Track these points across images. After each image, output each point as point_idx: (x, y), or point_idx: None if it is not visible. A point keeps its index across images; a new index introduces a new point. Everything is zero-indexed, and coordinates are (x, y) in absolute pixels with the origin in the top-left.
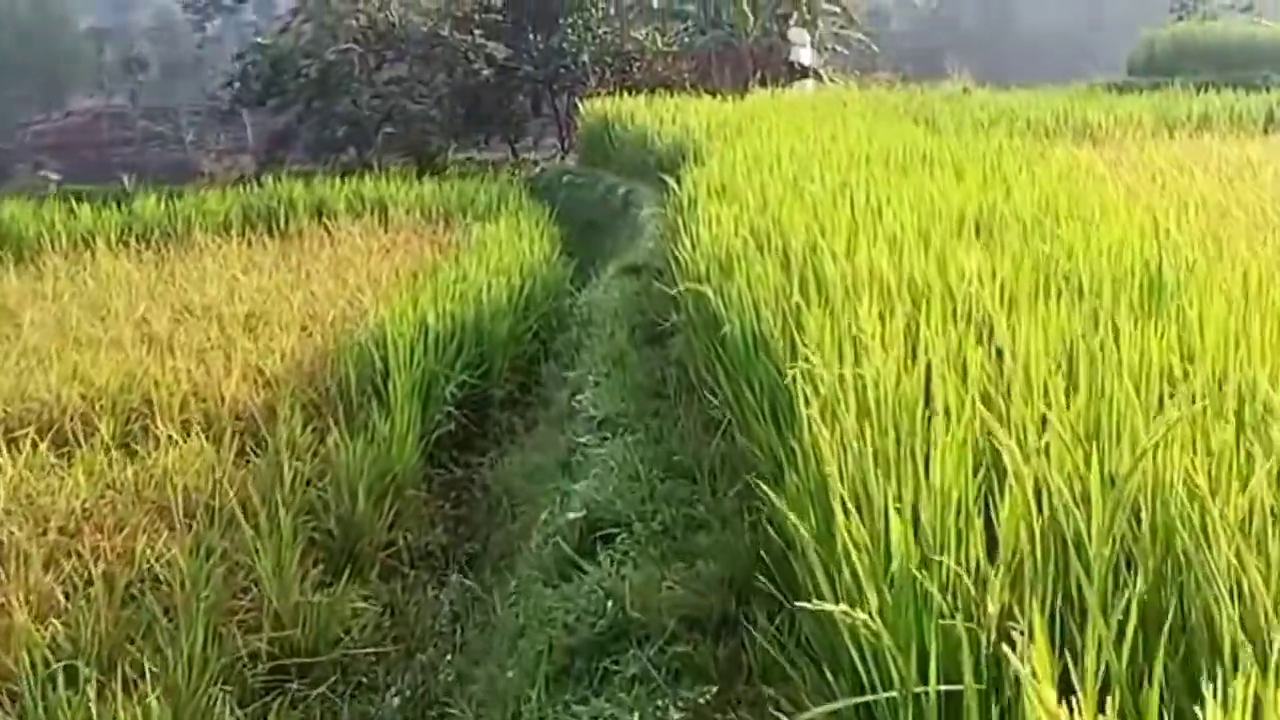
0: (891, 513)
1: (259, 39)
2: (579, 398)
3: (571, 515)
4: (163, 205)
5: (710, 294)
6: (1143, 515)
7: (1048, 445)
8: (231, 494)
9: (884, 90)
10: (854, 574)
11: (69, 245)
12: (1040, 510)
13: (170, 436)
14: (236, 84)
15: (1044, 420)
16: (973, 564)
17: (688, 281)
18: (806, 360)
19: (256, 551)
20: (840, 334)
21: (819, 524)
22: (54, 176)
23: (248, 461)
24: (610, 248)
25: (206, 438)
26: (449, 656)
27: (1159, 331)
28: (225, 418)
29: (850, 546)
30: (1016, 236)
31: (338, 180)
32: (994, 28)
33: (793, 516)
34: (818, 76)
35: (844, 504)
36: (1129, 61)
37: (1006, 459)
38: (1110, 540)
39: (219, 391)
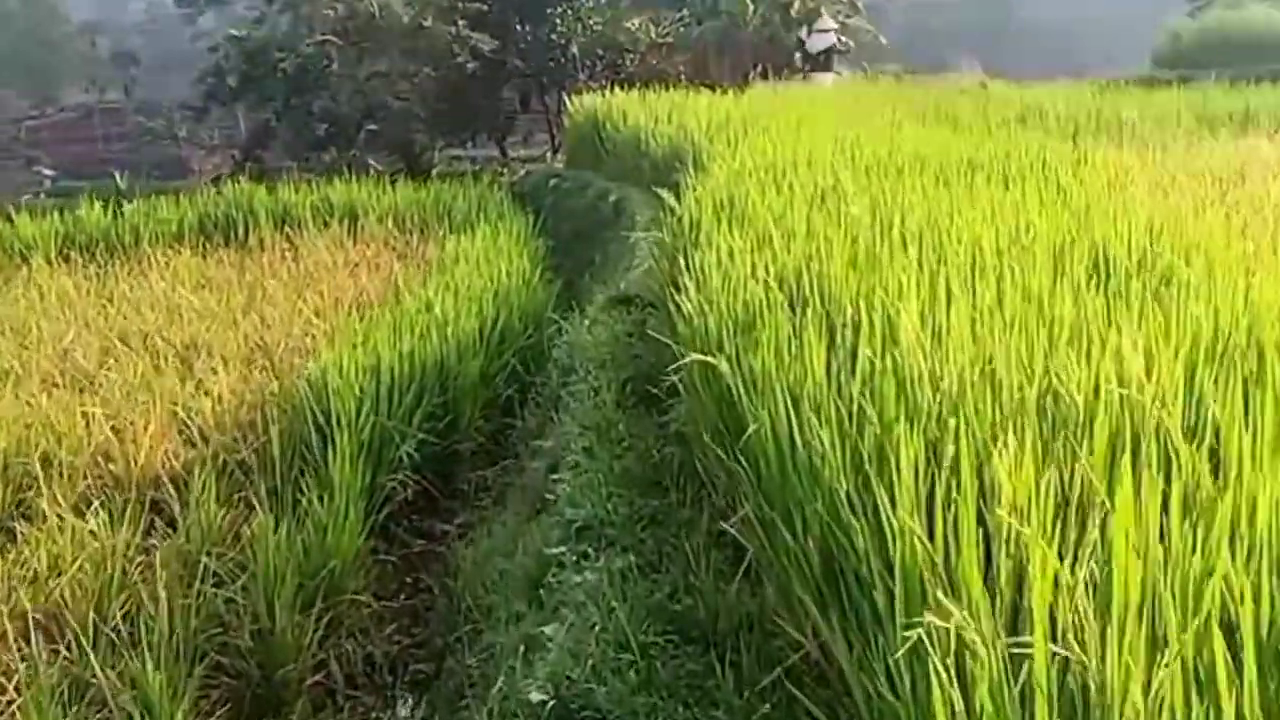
0: None
1: (233, 31)
2: (555, 480)
3: (535, 696)
4: (110, 214)
5: (725, 369)
6: None
7: None
8: (118, 607)
9: (894, 84)
10: None
11: (4, 258)
12: None
13: (61, 517)
14: (210, 80)
15: None
16: None
17: (691, 341)
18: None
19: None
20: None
21: None
22: (48, 173)
23: (153, 547)
24: (599, 262)
25: (109, 514)
26: None
27: None
28: (136, 484)
29: None
30: (1149, 287)
31: (308, 184)
32: (992, 19)
33: None
34: (823, 68)
35: None
36: (1154, 53)
37: None
38: None
39: (133, 451)
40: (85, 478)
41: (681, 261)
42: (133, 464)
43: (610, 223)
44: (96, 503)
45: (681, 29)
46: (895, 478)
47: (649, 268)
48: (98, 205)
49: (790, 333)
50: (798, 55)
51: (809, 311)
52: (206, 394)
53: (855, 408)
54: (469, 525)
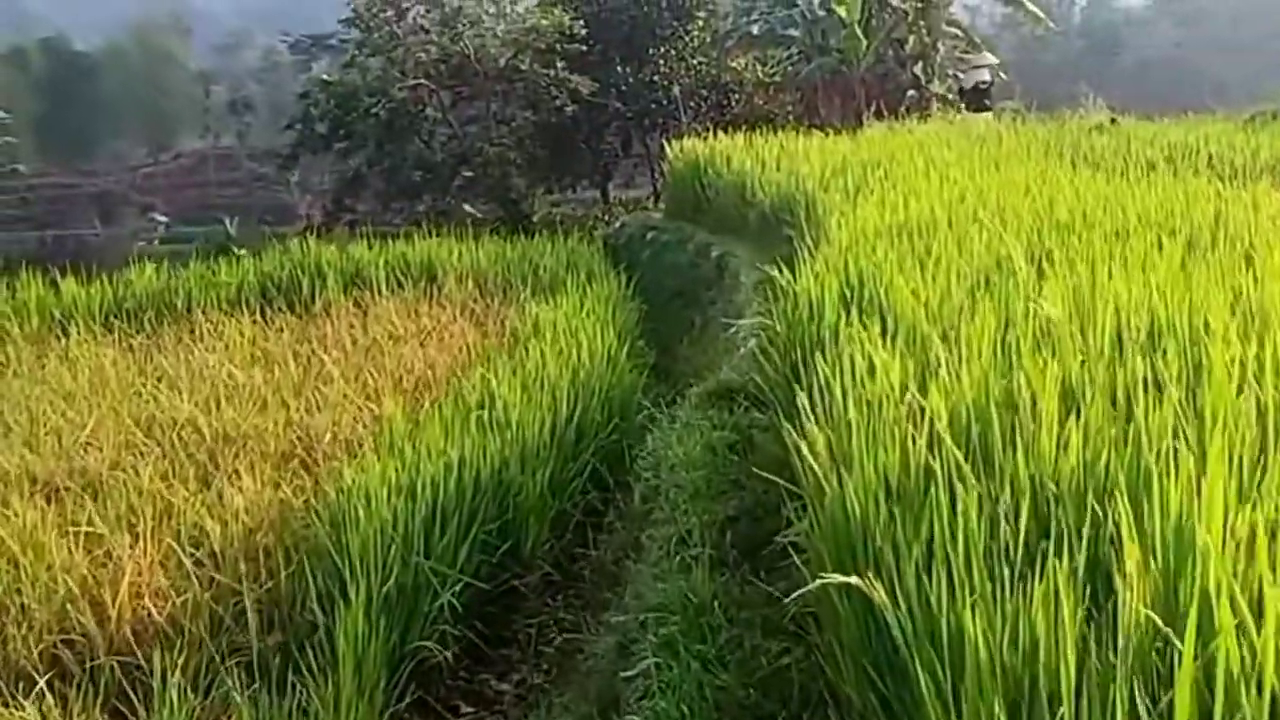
0: None
1: (324, 76)
2: (624, 678)
3: None
4: (161, 276)
5: (880, 598)
6: None
7: None
8: None
9: (1020, 122)
10: None
11: (42, 326)
12: None
13: None
14: (299, 126)
15: None
16: None
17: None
18: None
19: None
20: None
21: None
22: (162, 218)
23: None
24: (699, 326)
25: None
26: None
27: None
28: (108, 645)
29: None
30: None
31: (383, 240)
32: (1101, 52)
33: None
34: (944, 105)
35: None
36: None
37: None
38: None
39: (106, 609)
40: (45, 636)
41: (799, 369)
42: (107, 618)
43: (712, 282)
44: (43, 682)
45: (790, 67)
46: None
47: (755, 356)
48: (150, 267)
49: (987, 541)
50: (911, 92)
51: (1020, 509)
52: (222, 510)
53: None
54: (529, 687)
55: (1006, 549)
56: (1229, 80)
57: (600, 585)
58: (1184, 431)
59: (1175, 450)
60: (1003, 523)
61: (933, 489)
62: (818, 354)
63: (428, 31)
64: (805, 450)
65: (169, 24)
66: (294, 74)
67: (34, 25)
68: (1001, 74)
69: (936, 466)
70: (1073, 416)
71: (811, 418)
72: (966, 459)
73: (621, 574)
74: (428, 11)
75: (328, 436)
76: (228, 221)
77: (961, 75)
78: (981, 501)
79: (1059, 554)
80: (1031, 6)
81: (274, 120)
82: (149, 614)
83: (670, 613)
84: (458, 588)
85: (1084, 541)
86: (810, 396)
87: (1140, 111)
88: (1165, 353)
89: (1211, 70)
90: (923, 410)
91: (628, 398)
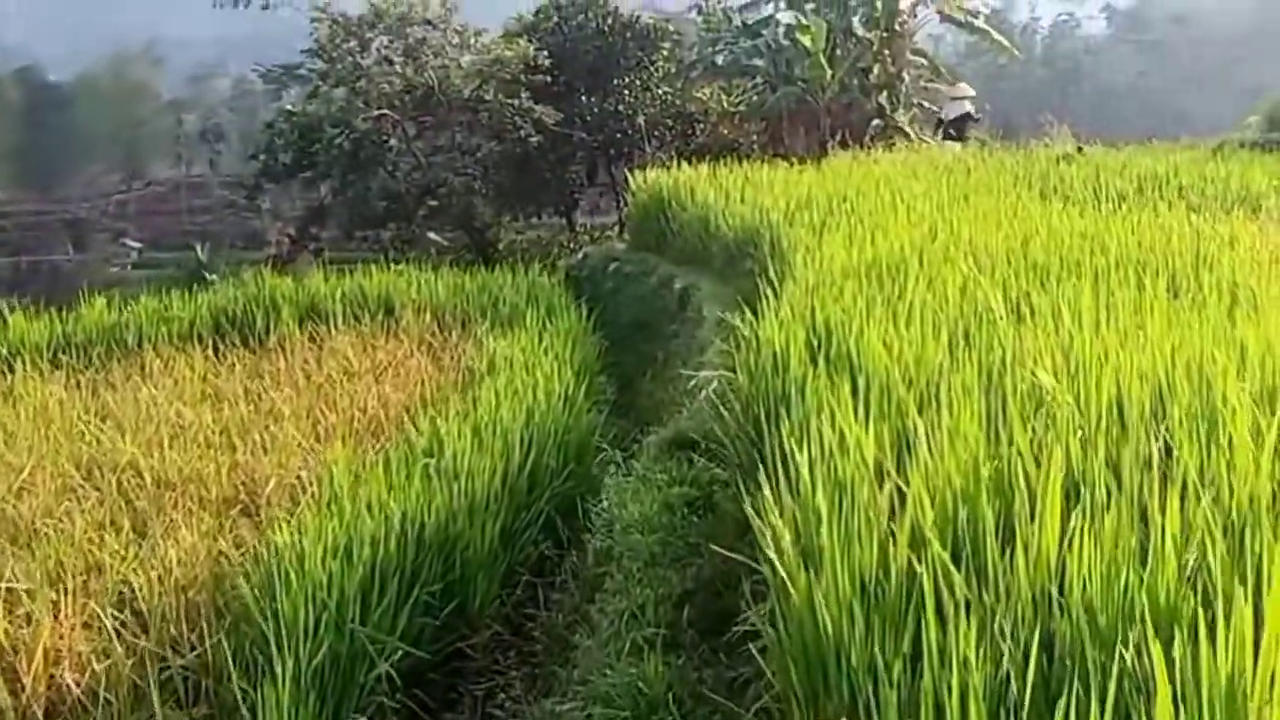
0: None
1: (288, 107)
2: None
3: None
4: (114, 310)
5: None
6: None
7: None
8: None
9: (989, 152)
10: None
11: None
12: None
13: None
14: (263, 156)
15: None
16: None
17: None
18: None
19: None
20: None
21: None
22: (134, 245)
23: None
24: (661, 361)
25: None
26: None
27: None
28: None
29: None
30: None
31: (340, 274)
32: (1064, 81)
33: None
34: (905, 135)
35: None
36: (1269, 115)
37: None
38: None
39: (21, 677)
40: None
41: (763, 425)
42: (21, 687)
43: (674, 315)
44: None
45: (754, 97)
46: None
47: (716, 404)
48: (100, 300)
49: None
50: (876, 122)
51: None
52: (155, 564)
53: None
54: None
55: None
56: (1190, 108)
57: (551, 650)
58: (1211, 536)
59: (1208, 569)
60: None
61: (919, 589)
62: (783, 413)
63: (392, 63)
64: (769, 539)
65: (143, 54)
66: (265, 103)
67: (9, 56)
68: (985, 105)
69: (921, 569)
70: (1077, 511)
71: (776, 506)
72: (955, 560)
73: (573, 640)
74: (391, 42)
75: (272, 482)
76: (199, 248)
77: (941, 107)
78: (980, 631)
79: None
80: (998, 36)
81: (246, 148)
82: (65, 688)
83: (619, 709)
84: (397, 655)
85: (1106, 697)
86: (774, 469)
87: (1104, 139)
88: (1173, 426)
89: (1173, 98)
90: (902, 496)
91: (585, 440)
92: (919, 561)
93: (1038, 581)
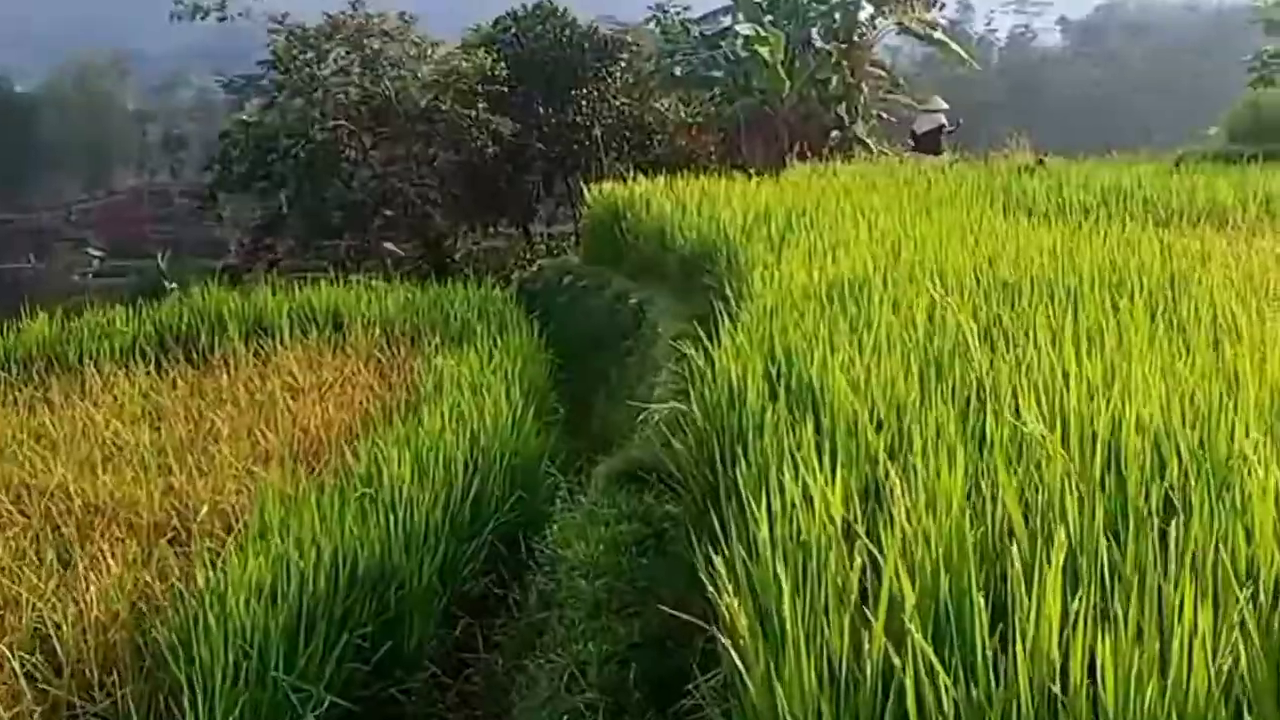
0: None
1: (243, 116)
2: None
3: None
4: (56, 326)
5: None
6: None
7: None
8: None
9: (948, 164)
10: None
11: None
12: None
13: None
14: (217, 166)
15: None
16: None
17: None
18: None
19: None
20: None
21: None
22: (96, 253)
23: None
24: (616, 379)
25: None
26: None
27: None
28: None
29: None
30: None
31: (289, 287)
32: (1022, 93)
33: None
34: (864, 147)
35: None
36: (1230, 127)
37: None
38: None
39: None
40: None
41: (717, 461)
42: None
43: (629, 331)
44: None
45: (713, 108)
46: None
47: (668, 436)
48: (42, 316)
49: None
50: (835, 133)
51: None
52: (75, 599)
53: None
54: None
55: None
56: (1147, 119)
57: (492, 696)
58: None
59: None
60: None
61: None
62: (740, 453)
63: (349, 74)
64: (723, 610)
65: (108, 66)
66: (228, 113)
67: None
68: (959, 119)
69: (899, 661)
70: (1080, 597)
71: (729, 577)
72: (938, 641)
73: (513, 693)
74: (348, 53)
75: (205, 508)
76: (160, 256)
77: (898, 119)
78: None
79: None
80: (956, 47)
81: (208, 158)
82: None
83: None
84: (324, 705)
85: None
86: (729, 519)
87: (1062, 150)
88: (1174, 479)
89: (1130, 109)
90: (874, 561)
91: (533, 466)
92: (897, 653)
93: (1037, 678)
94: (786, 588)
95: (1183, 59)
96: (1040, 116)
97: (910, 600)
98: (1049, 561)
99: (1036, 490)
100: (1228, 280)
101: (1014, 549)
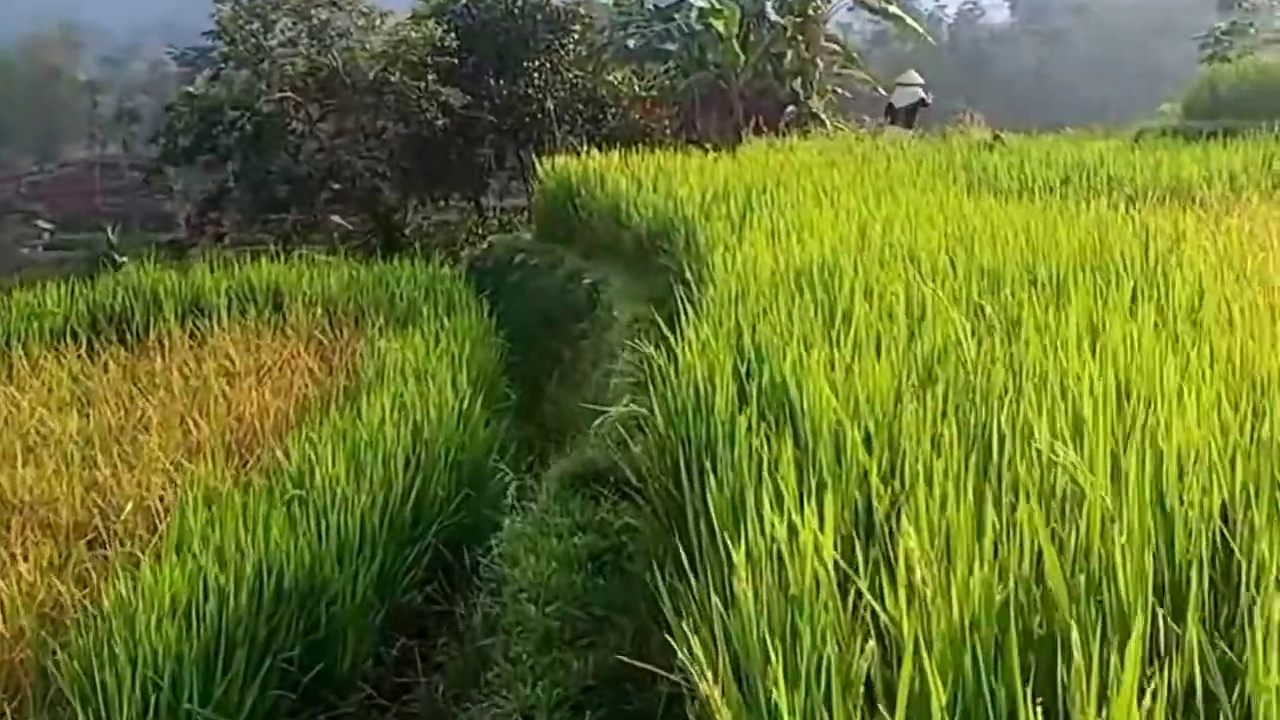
0: None
1: (188, 88)
2: None
3: None
4: None
5: None
6: None
7: None
8: None
9: (907, 141)
10: None
11: None
12: None
13: None
14: (163, 140)
15: None
16: None
17: None
18: None
19: None
20: None
21: None
22: (46, 226)
23: None
24: (569, 361)
25: None
26: None
27: None
28: None
29: None
30: None
31: (227, 264)
32: (970, 69)
33: None
34: (820, 122)
35: None
36: (1187, 104)
37: None
38: None
39: None
40: None
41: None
42: None
43: (583, 312)
44: None
45: (667, 82)
46: None
47: (627, 439)
48: None
49: None
50: (790, 108)
51: None
52: None
53: None
54: None
55: None
56: (1093, 96)
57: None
58: None
59: None
60: None
61: None
62: (708, 466)
63: (296, 44)
64: (700, 691)
65: (59, 37)
66: (179, 85)
67: None
68: (930, 96)
69: None
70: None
71: (705, 652)
72: None
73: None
74: (295, 24)
75: (128, 507)
76: (110, 229)
77: (891, 96)
78: None
79: None
80: (912, 22)
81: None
82: None
83: None
84: None
85: None
86: (698, 554)
87: (1015, 127)
88: (1238, 521)
89: (1076, 86)
90: (883, 635)
91: (480, 461)
92: None
93: None
94: (776, 666)
95: (1129, 36)
96: (989, 93)
97: (939, 698)
98: (1096, 633)
99: (1077, 546)
100: (1205, 262)
101: (1073, 635)
